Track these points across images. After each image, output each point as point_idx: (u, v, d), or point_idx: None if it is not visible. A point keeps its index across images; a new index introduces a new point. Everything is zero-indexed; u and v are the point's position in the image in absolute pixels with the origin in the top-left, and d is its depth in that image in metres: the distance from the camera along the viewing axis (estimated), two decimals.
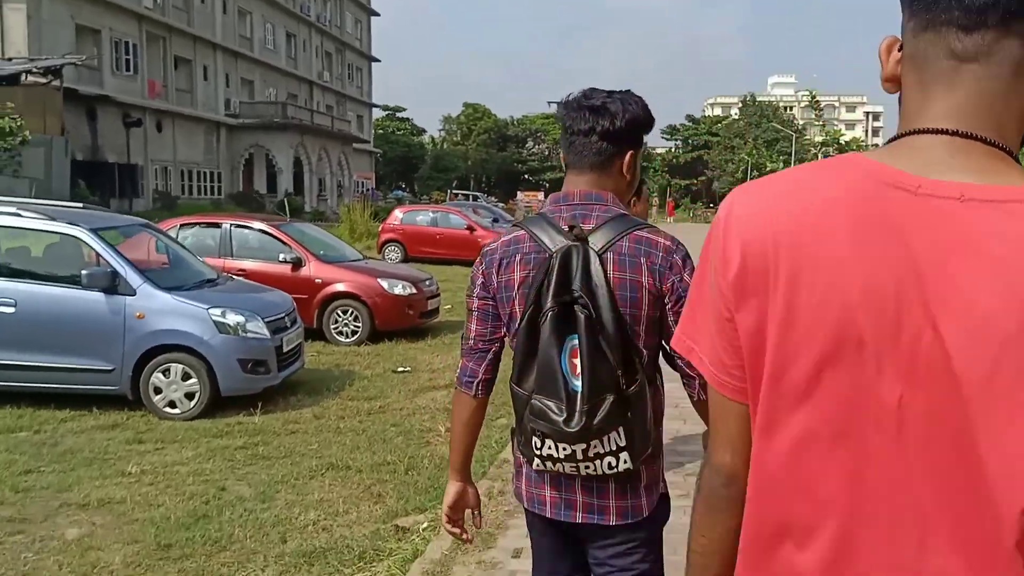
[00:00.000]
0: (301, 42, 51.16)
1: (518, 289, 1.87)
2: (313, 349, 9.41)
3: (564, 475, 1.86)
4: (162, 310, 6.64)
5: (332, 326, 9.91)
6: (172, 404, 6.63)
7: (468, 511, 2.13)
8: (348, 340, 9.85)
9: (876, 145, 28.50)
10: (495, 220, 25.63)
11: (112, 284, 6.54)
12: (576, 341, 1.75)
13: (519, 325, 1.82)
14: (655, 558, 1.97)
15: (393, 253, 20.72)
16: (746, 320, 0.93)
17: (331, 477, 5.36)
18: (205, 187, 39.20)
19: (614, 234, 1.82)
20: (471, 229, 20.52)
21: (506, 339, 1.97)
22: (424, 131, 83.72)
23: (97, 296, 6.56)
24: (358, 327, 9.88)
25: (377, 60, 65.24)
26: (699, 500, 1.06)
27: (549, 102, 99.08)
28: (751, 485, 0.97)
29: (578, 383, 1.74)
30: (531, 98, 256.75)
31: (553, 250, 1.81)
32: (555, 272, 1.77)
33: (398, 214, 21.33)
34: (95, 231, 6.78)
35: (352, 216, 26.32)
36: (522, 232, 1.93)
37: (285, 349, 7.18)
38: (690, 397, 1.87)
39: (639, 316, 1.81)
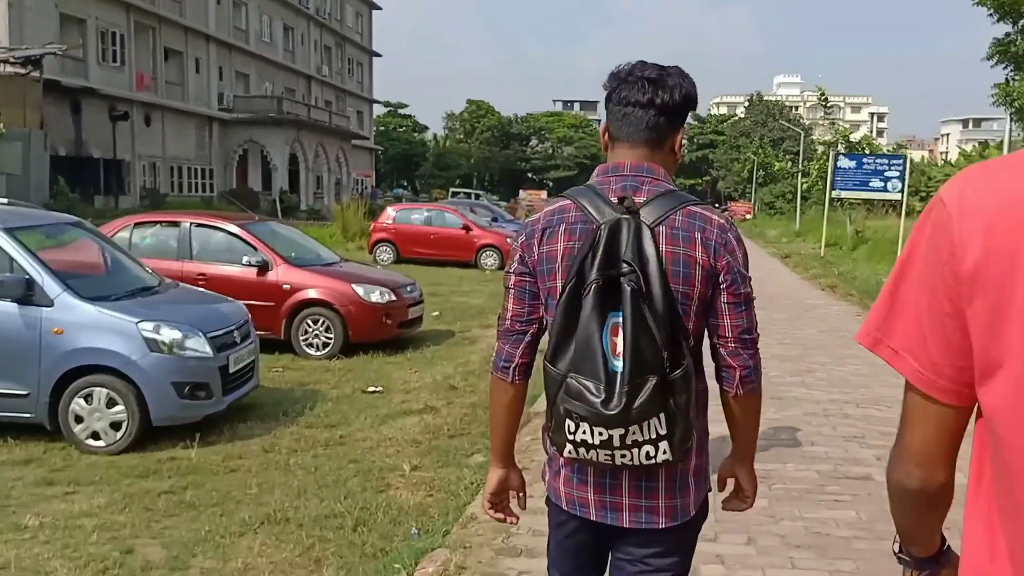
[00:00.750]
0: (299, 35, 50.17)
1: (561, 261, 1.75)
2: (279, 363, 8.47)
3: (609, 472, 1.76)
4: (84, 324, 5.65)
5: (302, 337, 8.94)
6: (96, 435, 5.65)
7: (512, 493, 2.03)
8: (319, 353, 8.88)
9: (881, 144, 27.34)
10: (494, 219, 24.67)
11: (26, 293, 5.58)
12: (619, 319, 1.63)
13: (559, 299, 1.69)
14: (690, 556, 1.92)
15: (385, 254, 19.78)
16: (981, 313, 0.86)
17: (265, 534, 4.39)
18: (196, 184, 38.25)
19: (667, 208, 1.73)
20: (467, 229, 19.56)
21: (546, 319, 1.81)
22: (427, 128, 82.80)
23: (9, 307, 5.60)
24: (330, 339, 8.91)
25: (378, 55, 64.25)
26: (892, 503, 1.09)
27: (555, 100, 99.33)
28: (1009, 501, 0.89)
29: (619, 363, 1.63)
30: (536, 96, 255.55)
31: (601, 221, 1.69)
32: (603, 244, 1.65)
33: (391, 212, 20.37)
34: (9, 231, 5.81)
35: (345, 215, 25.39)
36: (568, 202, 1.81)
37: (233, 369, 6.20)
38: (726, 393, 1.79)
39: (691, 294, 1.72)
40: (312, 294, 8.96)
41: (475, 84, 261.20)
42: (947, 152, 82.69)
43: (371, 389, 7.53)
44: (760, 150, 36.61)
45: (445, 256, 19.50)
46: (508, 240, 19.51)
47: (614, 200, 1.72)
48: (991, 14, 9.42)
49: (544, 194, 46.31)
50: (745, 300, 1.77)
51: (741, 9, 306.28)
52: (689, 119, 2.25)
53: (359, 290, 9.03)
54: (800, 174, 28.53)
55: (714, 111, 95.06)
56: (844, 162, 19.94)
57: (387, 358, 8.95)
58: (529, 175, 78.61)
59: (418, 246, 19.61)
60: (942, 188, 0.93)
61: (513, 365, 1.85)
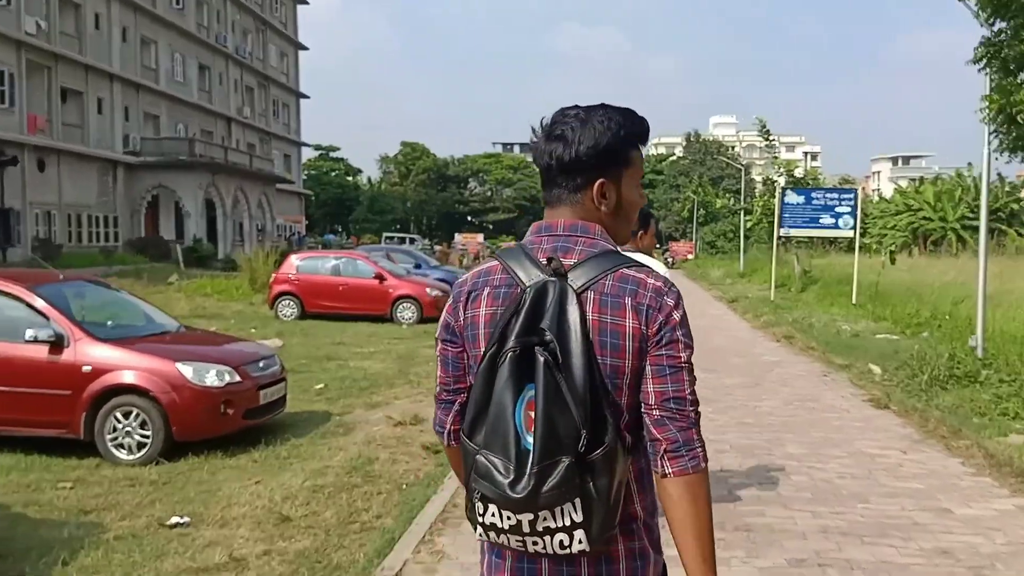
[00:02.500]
0: (217, 75, 47.72)
1: (484, 328, 1.61)
2: (74, 474, 6.15)
3: (526, 558, 1.56)
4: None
5: (109, 436, 6.58)
6: None
7: None
8: (132, 457, 6.53)
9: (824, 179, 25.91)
10: (416, 266, 22.53)
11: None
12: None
13: (477, 368, 1.55)
14: None
15: (287, 309, 17.42)
16: None
17: None
18: (98, 233, 35.25)
19: (598, 271, 1.57)
20: (380, 278, 17.34)
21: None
22: (360, 171, 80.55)
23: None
24: (147, 437, 6.58)
25: (305, 96, 62.11)
26: None
27: (494, 143, 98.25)
28: None
29: (531, 440, 1.45)
30: (475, 139, 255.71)
31: (527, 284, 1.56)
32: (525, 309, 1.52)
33: (294, 261, 18.02)
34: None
35: (253, 265, 22.99)
36: (495, 263, 1.67)
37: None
38: (655, 473, 1.55)
39: (621, 368, 1.54)
40: (122, 378, 6.63)
41: (411, 126, 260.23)
42: (879, 189, 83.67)
43: (174, 521, 5.22)
44: (700, 188, 35.35)
45: (356, 310, 17.23)
46: (428, 291, 17.37)
47: (543, 261, 1.57)
48: (981, 12, 7.73)
49: (481, 237, 44.32)
50: (674, 365, 1.54)
51: (677, 56, 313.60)
52: None
53: (186, 371, 6.72)
54: (743, 212, 27.06)
55: (653, 151, 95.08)
56: (792, 197, 18.32)
57: (226, 460, 6.64)
58: (468, 218, 76.73)
59: (325, 299, 17.30)
60: None
61: (446, 431, 1.71)
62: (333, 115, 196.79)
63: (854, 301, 16.92)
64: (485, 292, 1.62)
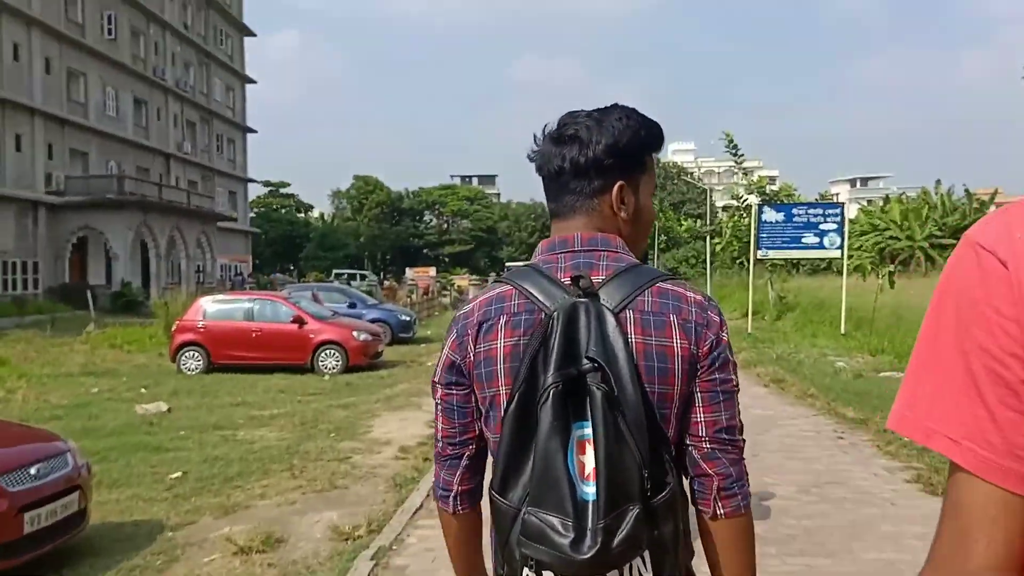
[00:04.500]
0: (155, 109, 45.20)
1: (504, 363, 1.36)
2: None
3: None
4: None
5: None
6: None
7: None
8: None
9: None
10: (351, 305, 20.15)
11: None
12: (587, 430, 1.23)
13: (506, 411, 1.29)
14: None
15: (192, 361, 14.97)
16: None
17: None
18: (15, 280, 32.38)
19: (632, 287, 1.36)
20: (299, 322, 14.97)
21: (487, 435, 1.42)
22: (312, 207, 77.94)
23: None
24: None
25: (252, 131, 59.68)
26: None
27: (452, 175, 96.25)
28: None
29: (591, 490, 1.22)
30: (431, 172, 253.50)
31: (553, 309, 1.32)
32: (557, 336, 1.27)
33: (203, 306, 15.57)
34: None
35: (171, 309, 20.50)
36: (508, 287, 1.42)
37: None
38: (701, 515, 1.36)
39: (669, 394, 1.33)
40: None
41: (365, 162, 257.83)
42: None
43: None
44: (661, 213, 33.65)
45: (272, 359, 14.87)
46: (354, 335, 15.05)
47: (565, 281, 1.36)
48: None
49: (433, 271, 42.08)
50: (727, 390, 1.35)
51: (635, 84, 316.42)
52: None
53: None
54: (709, 236, 25.20)
55: None
56: (770, 215, 16.28)
57: None
58: (424, 252, 74.49)
59: (236, 348, 14.90)
60: (973, 233, 0.79)
61: (452, 494, 1.48)
62: (285, 151, 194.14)
63: (843, 331, 14.93)
64: (502, 321, 1.38)
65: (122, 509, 6.16)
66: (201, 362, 14.88)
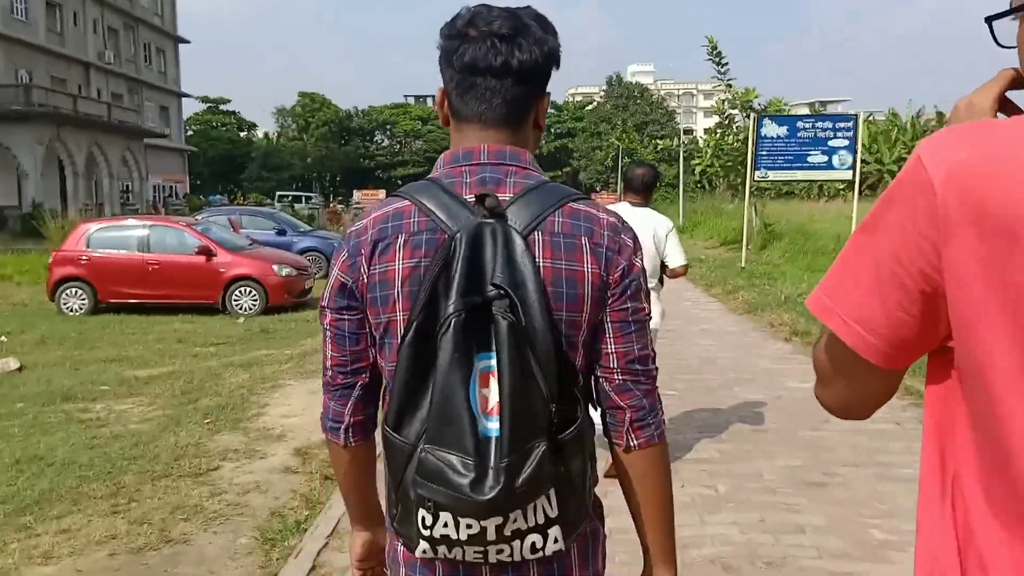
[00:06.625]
0: (70, 13, 40.71)
1: (401, 287, 1.24)
2: None
3: (463, 565, 1.24)
4: None
5: None
6: None
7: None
8: None
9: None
10: (280, 232, 17.47)
11: None
12: (492, 362, 1.15)
13: (402, 340, 1.19)
14: None
15: (75, 300, 12.31)
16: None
17: None
18: None
19: (542, 207, 1.25)
20: (207, 254, 12.33)
21: (381, 364, 1.31)
22: (255, 126, 73.34)
23: None
24: None
25: (185, 41, 54.94)
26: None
27: (405, 95, 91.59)
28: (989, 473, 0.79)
29: (494, 425, 1.14)
30: (379, 91, 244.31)
31: (456, 229, 1.21)
32: (460, 260, 1.17)
33: (87, 233, 12.79)
34: None
35: (65, 233, 17.58)
36: (406, 203, 1.27)
37: None
38: (615, 447, 1.32)
39: (577, 322, 1.25)
40: None
41: (313, 78, 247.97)
42: None
43: None
44: (624, 135, 31.19)
45: (173, 297, 12.29)
46: (275, 269, 12.49)
47: (470, 199, 1.24)
48: None
49: (383, 194, 39.08)
50: (639, 320, 1.29)
51: (591, 2, 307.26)
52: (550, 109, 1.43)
53: None
54: (683, 156, 22.75)
55: (571, 99, 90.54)
56: (771, 128, 13.76)
57: None
58: (376, 173, 70.87)
59: (128, 284, 12.26)
60: (923, 145, 0.83)
61: (343, 425, 1.36)
62: (226, 67, 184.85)
63: None
64: (399, 241, 1.24)
65: None
66: (86, 301, 12.24)
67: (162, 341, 10.24)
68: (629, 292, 1.26)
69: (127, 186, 40.54)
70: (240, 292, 12.24)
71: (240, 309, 12.15)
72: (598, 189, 58.93)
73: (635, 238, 1.30)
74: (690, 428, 5.71)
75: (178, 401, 7.04)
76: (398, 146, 73.74)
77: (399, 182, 68.95)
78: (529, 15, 1.29)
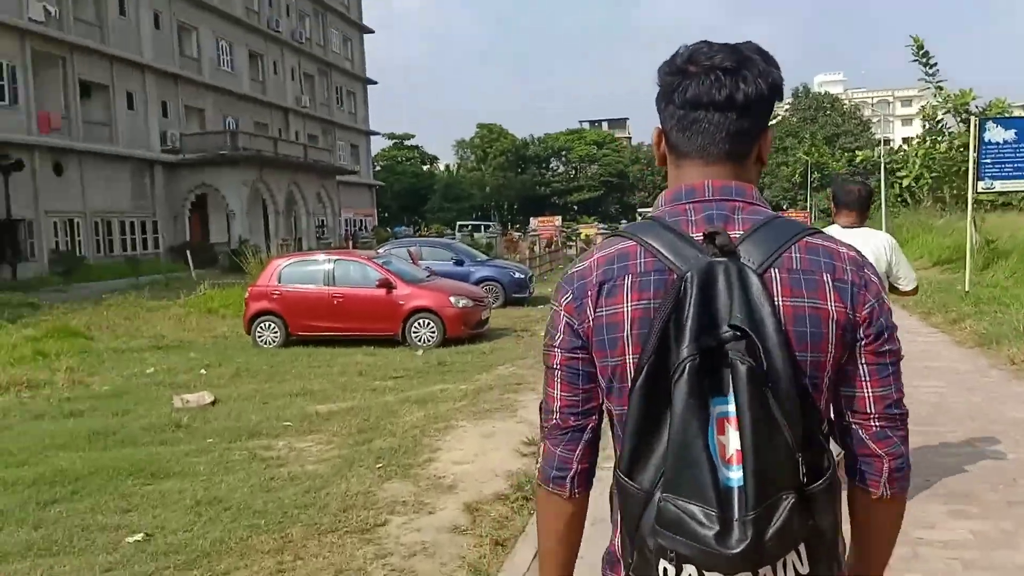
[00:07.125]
0: (271, 63, 44.13)
1: (631, 329, 1.20)
2: None
3: None
4: None
5: None
6: None
7: None
8: None
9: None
10: (458, 263, 17.55)
11: None
12: (727, 407, 1.10)
13: (633, 384, 1.16)
14: None
15: (269, 333, 12.79)
16: None
17: None
18: (134, 240, 31.91)
19: (776, 243, 1.19)
20: (387, 286, 12.45)
21: (608, 407, 1.28)
22: (436, 159, 76.23)
23: None
24: None
25: (373, 82, 58.19)
26: None
27: (580, 121, 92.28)
28: None
29: (735, 475, 1.08)
30: (555, 118, 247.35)
31: (685, 269, 1.16)
32: (692, 301, 1.13)
33: (278, 268, 13.33)
34: None
35: (262, 267, 18.60)
36: (630, 243, 1.25)
37: None
38: (867, 494, 1.25)
39: (822, 363, 1.18)
40: None
41: (491, 112, 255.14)
42: None
43: None
44: (813, 148, 29.24)
45: (357, 330, 12.47)
46: (452, 300, 12.40)
47: (697, 238, 1.20)
48: None
49: (558, 220, 39.10)
50: (895, 362, 1.24)
51: (778, 14, 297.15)
52: None
53: None
54: (883, 168, 20.78)
55: None
56: (995, 132, 12.07)
57: None
58: (551, 200, 71.39)
59: (315, 318, 12.59)
60: None
61: (571, 473, 1.29)
62: (409, 104, 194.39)
63: None
64: (627, 282, 1.21)
65: None
66: (278, 334, 12.68)
67: (344, 374, 10.32)
68: (886, 333, 1.21)
69: (322, 220, 43.08)
70: (419, 324, 12.24)
71: (419, 341, 12.14)
72: (785, 207, 56.07)
73: (877, 273, 1.24)
74: (931, 500, 4.71)
75: (354, 440, 6.89)
76: (573, 171, 73.98)
77: (575, 208, 69.00)
78: (750, 48, 1.27)
